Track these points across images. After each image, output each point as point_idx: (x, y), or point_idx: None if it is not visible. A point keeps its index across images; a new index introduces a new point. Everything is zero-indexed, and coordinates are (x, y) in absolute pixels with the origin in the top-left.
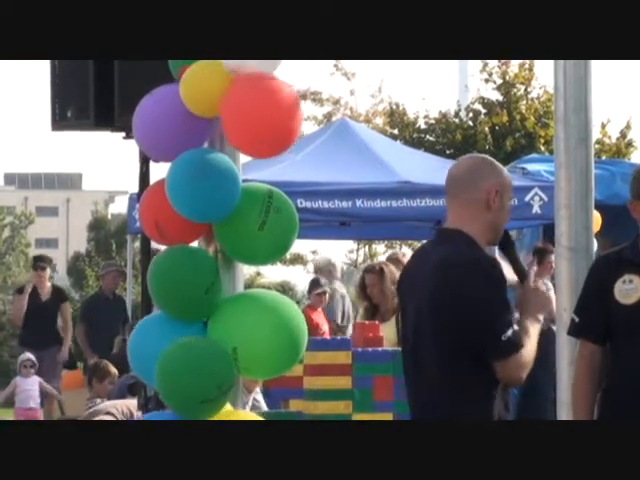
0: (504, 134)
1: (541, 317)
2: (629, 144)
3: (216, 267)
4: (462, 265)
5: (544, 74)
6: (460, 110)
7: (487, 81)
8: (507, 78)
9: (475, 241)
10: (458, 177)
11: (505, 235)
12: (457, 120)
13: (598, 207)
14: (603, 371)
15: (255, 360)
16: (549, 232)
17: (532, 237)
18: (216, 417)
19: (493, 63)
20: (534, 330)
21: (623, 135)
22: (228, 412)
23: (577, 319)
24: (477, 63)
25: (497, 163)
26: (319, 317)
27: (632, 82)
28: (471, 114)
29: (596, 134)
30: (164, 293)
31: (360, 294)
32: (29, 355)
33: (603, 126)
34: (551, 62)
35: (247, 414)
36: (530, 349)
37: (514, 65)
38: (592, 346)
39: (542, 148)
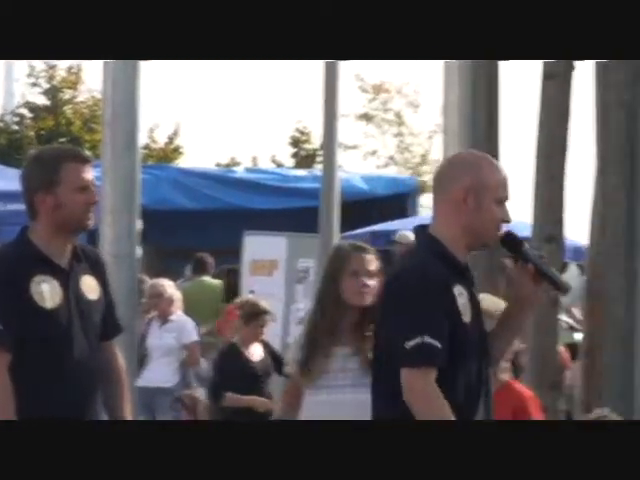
0: (50, 138)
1: None
2: (176, 149)
3: None
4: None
5: (92, 78)
6: (5, 115)
7: (34, 85)
8: (54, 82)
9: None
10: (435, 176)
11: (510, 238)
12: (2, 124)
13: (144, 212)
14: None
15: None
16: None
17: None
18: None
19: (41, 67)
20: None
21: (171, 140)
22: None
23: None
24: (24, 67)
25: (477, 159)
26: None
27: (181, 88)
28: (17, 118)
29: (144, 139)
30: None
31: None
32: None
33: (151, 131)
34: (100, 66)
35: None
36: None
37: (62, 69)
38: None
39: (88, 153)
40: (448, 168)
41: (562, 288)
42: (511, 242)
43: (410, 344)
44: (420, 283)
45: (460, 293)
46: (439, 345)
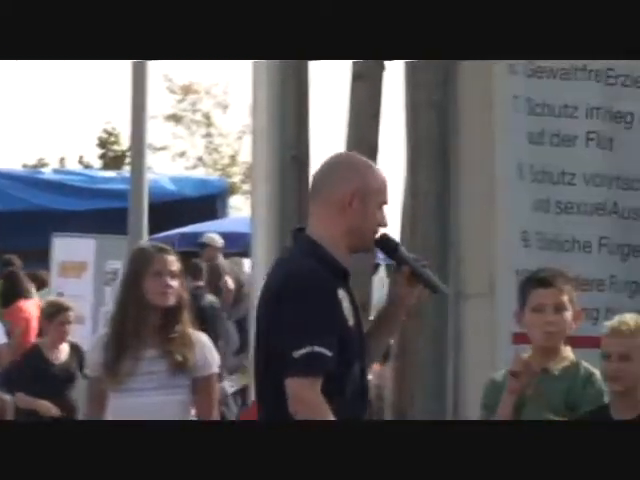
0: None
1: None
2: None
3: None
4: None
5: None
6: None
7: None
8: None
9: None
10: (315, 178)
11: (385, 240)
12: None
13: None
14: None
15: None
16: None
17: None
18: None
19: None
20: None
21: None
22: None
23: None
24: None
25: (361, 163)
26: None
27: None
28: None
29: None
30: None
31: None
32: None
33: None
34: None
35: None
36: None
37: None
38: None
39: None
40: (330, 171)
41: (437, 289)
42: (386, 244)
43: (299, 353)
44: (307, 289)
45: (343, 297)
46: (329, 353)
